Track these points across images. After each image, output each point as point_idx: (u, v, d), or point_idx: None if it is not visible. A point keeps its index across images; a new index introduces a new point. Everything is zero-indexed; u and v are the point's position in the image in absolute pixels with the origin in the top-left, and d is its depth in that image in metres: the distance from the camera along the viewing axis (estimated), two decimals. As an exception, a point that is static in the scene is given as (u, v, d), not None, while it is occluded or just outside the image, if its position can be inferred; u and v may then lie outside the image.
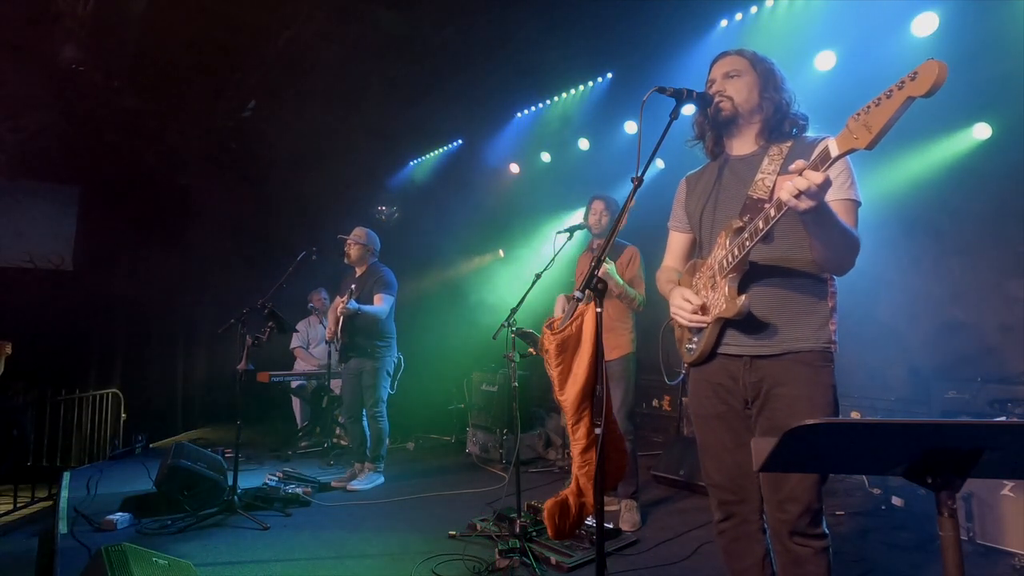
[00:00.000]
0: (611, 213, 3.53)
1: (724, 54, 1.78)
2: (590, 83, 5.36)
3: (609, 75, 5.17)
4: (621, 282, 3.28)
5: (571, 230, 3.41)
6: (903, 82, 1.18)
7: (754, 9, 4.16)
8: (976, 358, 3.58)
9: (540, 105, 5.89)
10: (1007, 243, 3.57)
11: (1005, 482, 2.77)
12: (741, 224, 1.59)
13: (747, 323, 1.62)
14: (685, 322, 1.71)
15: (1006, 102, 3.39)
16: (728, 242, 1.62)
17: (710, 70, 1.79)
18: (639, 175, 1.61)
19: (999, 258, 3.61)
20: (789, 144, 1.66)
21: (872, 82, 3.62)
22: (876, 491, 3.58)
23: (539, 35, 4.56)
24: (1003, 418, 3.09)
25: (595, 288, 1.55)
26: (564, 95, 5.64)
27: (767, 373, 1.63)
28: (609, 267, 3.23)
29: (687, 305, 1.69)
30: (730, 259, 1.60)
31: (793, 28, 3.92)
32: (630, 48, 4.67)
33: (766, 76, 1.71)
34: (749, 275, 1.64)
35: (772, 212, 1.46)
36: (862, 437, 0.91)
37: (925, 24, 3.52)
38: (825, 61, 3.93)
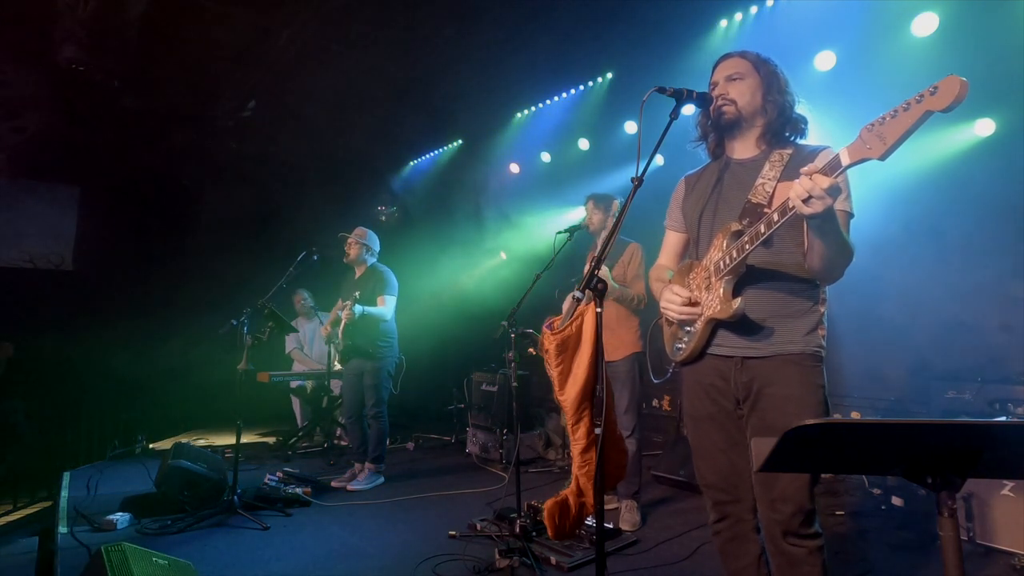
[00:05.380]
0: (601, 211, 3.53)
1: (727, 56, 1.77)
2: (590, 83, 5.36)
3: (609, 75, 5.17)
4: (616, 286, 3.29)
5: (571, 230, 3.40)
6: (922, 95, 1.16)
7: (754, 9, 4.17)
8: (976, 358, 3.57)
9: (540, 105, 5.89)
10: (1008, 243, 3.56)
11: (1005, 482, 2.77)
12: (740, 227, 1.60)
13: (739, 324, 1.63)
14: (675, 315, 1.71)
15: (1006, 103, 3.39)
16: (725, 244, 1.62)
17: (713, 72, 1.78)
18: (639, 175, 1.61)
19: (999, 258, 3.60)
20: (790, 151, 1.67)
21: (872, 82, 3.63)
22: (876, 491, 3.57)
23: (540, 35, 4.56)
24: (1003, 418, 3.09)
25: (595, 288, 1.55)
26: (564, 95, 5.64)
27: (758, 373, 1.63)
28: (606, 272, 3.23)
29: (676, 298, 1.70)
30: (727, 261, 1.60)
31: (793, 28, 3.91)
32: (630, 48, 4.67)
33: (769, 79, 1.71)
34: (744, 277, 1.64)
35: (776, 217, 1.46)
36: (862, 437, 0.91)
37: (925, 24, 3.51)
38: (825, 61, 3.93)
